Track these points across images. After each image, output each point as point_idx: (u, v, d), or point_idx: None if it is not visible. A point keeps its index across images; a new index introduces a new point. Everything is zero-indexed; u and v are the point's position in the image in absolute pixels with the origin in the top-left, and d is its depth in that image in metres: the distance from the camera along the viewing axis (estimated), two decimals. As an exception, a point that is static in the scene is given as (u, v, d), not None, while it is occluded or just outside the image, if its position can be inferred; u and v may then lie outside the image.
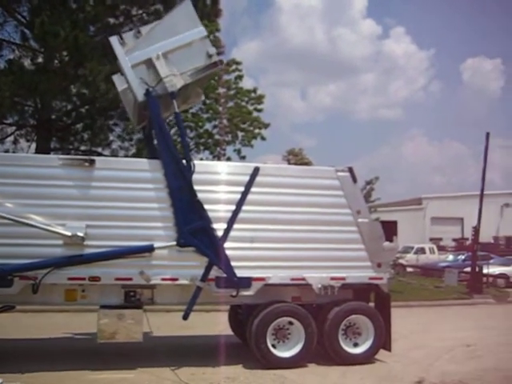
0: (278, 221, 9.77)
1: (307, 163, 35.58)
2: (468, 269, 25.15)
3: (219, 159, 25.84)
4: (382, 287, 10.32)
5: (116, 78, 11.40)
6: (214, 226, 9.48)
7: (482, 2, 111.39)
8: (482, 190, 23.69)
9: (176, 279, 9.31)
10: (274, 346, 9.66)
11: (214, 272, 9.43)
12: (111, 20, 21.06)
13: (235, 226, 9.55)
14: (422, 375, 9.42)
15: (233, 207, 9.58)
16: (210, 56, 9.81)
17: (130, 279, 9.18)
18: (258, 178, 9.76)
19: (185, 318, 9.53)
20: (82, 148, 24.47)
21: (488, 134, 23.56)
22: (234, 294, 9.52)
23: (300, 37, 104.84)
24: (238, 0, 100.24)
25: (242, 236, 9.58)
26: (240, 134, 28.10)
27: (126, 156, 24.22)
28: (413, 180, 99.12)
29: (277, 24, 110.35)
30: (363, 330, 10.13)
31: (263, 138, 28.53)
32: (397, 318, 10.74)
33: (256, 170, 9.78)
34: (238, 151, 28.12)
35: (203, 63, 9.82)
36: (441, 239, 47.20)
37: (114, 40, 9.71)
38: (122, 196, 9.26)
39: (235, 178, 9.78)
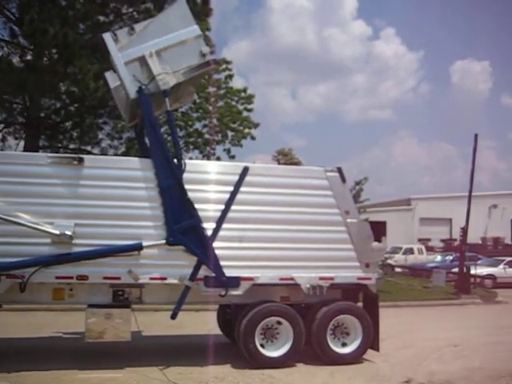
0: (267, 220, 9.77)
1: (297, 163, 35.63)
2: (456, 269, 25.30)
3: (209, 158, 25.86)
4: (371, 287, 10.35)
5: (108, 75, 11.37)
6: (204, 225, 9.47)
7: (471, 5, 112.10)
8: (471, 191, 23.85)
9: (165, 278, 9.28)
10: (262, 345, 9.66)
11: (203, 271, 9.42)
12: (101, 18, 20.98)
13: (224, 225, 9.54)
14: (410, 375, 9.47)
15: (222, 207, 9.57)
16: (203, 55, 9.79)
17: (119, 278, 9.14)
18: (248, 178, 9.76)
19: (173, 317, 9.52)
20: (71, 146, 24.39)
21: (476, 136, 23.75)
22: (223, 293, 9.51)
23: (291, 37, 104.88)
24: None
25: (231, 235, 9.57)
26: (230, 133, 28.14)
27: (116, 154, 24.16)
28: (402, 181, 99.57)
29: (267, 24, 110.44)
30: (351, 330, 10.16)
31: (253, 138, 28.59)
32: (385, 318, 10.79)
33: (245, 170, 9.78)
34: (228, 151, 28.17)
35: (196, 62, 9.80)
36: (429, 240, 47.43)
37: (107, 36, 9.67)
38: (111, 195, 9.22)
39: (224, 178, 9.77)
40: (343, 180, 10.28)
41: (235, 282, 9.50)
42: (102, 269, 9.08)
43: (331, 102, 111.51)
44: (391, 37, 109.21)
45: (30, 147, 20.23)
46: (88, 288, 9.32)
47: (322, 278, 9.91)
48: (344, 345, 10.13)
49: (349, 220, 10.15)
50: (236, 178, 9.72)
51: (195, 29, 9.86)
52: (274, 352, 9.72)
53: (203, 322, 12.94)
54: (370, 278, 10.24)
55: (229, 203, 9.60)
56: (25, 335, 11.92)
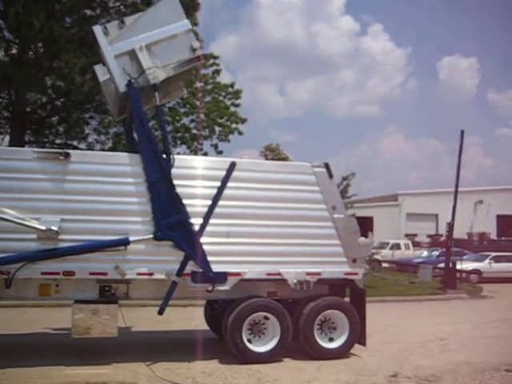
0: (254, 216, 9.77)
1: (284, 159, 35.76)
2: (442, 264, 25.47)
3: (196, 154, 25.83)
4: (357, 282, 10.40)
5: (98, 69, 11.31)
6: (191, 220, 9.45)
7: (459, 2, 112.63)
8: (457, 187, 23.99)
9: (151, 274, 9.26)
10: (249, 340, 9.68)
11: (190, 267, 9.40)
12: (88, 12, 20.79)
13: (211, 220, 9.53)
14: (397, 369, 9.53)
15: (209, 202, 9.56)
16: (193, 50, 9.75)
17: (105, 274, 9.10)
18: (235, 173, 9.74)
19: (160, 313, 9.50)
20: (58, 141, 24.21)
21: (463, 132, 23.85)
22: (210, 288, 9.50)
23: (279, 32, 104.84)
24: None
25: (218, 231, 9.56)
26: (217, 128, 28.13)
27: (103, 149, 24.05)
28: (389, 176, 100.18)
29: (255, 19, 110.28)
30: (338, 325, 10.19)
31: (240, 133, 28.61)
32: (372, 313, 10.83)
33: (233, 165, 9.77)
34: (215, 146, 28.17)
35: (187, 56, 9.76)
36: (416, 235, 47.69)
37: (97, 29, 9.61)
38: (98, 190, 9.17)
39: (212, 173, 9.75)
40: (330, 175, 10.29)
41: (222, 277, 9.50)
42: (89, 264, 9.03)
43: (319, 97, 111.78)
44: (379, 33, 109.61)
45: (16, 142, 20.05)
46: (74, 284, 9.28)
47: (309, 274, 9.93)
48: (331, 340, 10.17)
49: (336, 215, 10.17)
50: (223, 173, 9.70)
51: (186, 23, 9.82)
52: (261, 347, 9.73)
53: (190, 318, 12.92)
54: (356, 273, 10.28)
55: (216, 198, 9.59)
56: (11, 331, 11.85)
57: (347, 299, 10.78)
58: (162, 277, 9.31)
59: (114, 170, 9.34)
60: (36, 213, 8.84)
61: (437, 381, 8.91)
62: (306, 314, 9.93)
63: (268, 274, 9.78)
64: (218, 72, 28.73)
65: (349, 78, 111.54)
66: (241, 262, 9.63)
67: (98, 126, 25.15)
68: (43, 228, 8.71)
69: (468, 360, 10.32)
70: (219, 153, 27.75)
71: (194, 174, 9.73)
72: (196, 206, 9.52)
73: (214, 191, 9.61)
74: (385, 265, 33.82)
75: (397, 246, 37.93)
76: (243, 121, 28.73)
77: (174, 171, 9.43)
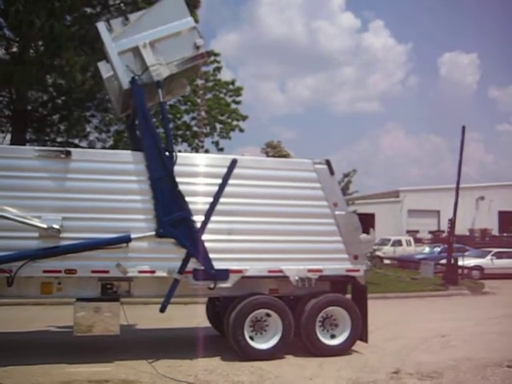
0: (256, 213, 9.77)
1: (285, 155, 35.77)
2: (444, 261, 25.47)
3: (197, 151, 25.81)
4: (359, 279, 10.39)
5: (101, 65, 11.31)
6: (193, 217, 9.45)
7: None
8: (458, 183, 23.96)
9: (153, 271, 9.26)
10: (251, 337, 9.68)
11: (192, 264, 9.40)
12: (88, 9, 20.79)
13: (213, 218, 9.53)
14: (399, 366, 9.54)
15: (210, 199, 9.56)
16: (197, 47, 9.77)
17: (107, 272, 9.11)
18: (236, 170, 9.74)
19: (162, 310, 9.51)
20: (59, 139, 24.23)
21: (464, 128, 23.81)
22: (212, 286, 9.51)
23: (279, 29, 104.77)
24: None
25: (220, 228, 9.56)
26: (218, 125, 28.13)
27: (104, 148, 24.05)
28: (390, 173, 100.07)
29: (256, 16, 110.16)
30: (340, 322, 10.20)
31: (241, 130, 28.61)
32: (373, 309, 10.84)
33: (234, 162, 9.76)
34: (216, 143, 28.17)
35: (190, 54, 9.78)
36: (417, 231, 47.64)
37: (101, 26, 9.63)
38: (99, 188, 9.17)
39: (213, 170, 9.75)
40: (331, 172, 10.29)
41: (224, 274, 9.50)
42: (91, 262, 9.04)
43: (320, 94, 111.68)
44: (380, 29, 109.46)
45: (17, 140, 20.06)
46: (76, 282, 9.28)
47: (310, 270, 9.93)
48: (333, 336, 10.17)
49: (337, 212, 10.17)
50: (224, 170, 9.70)
51: (189, 20, 9.83)
52: (263, 344, 9.74)
53: (192, 315, 12.93)
54: (358, 270, 10.28)
55: (217, 196, 9.59)
56: (13, 329, 11.86)
57: (349, 296, 10.78)
58: (164, 274, 9.31)
59: (115, 168, 9.34)
60: (37, 211, 8.85)
61: (438, 377, 8.91)
62: (308, 310, 9.93)
63: (270, 271, 9.78)
64: (218, 69, 28.72)
65: (349, 75, 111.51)
66: (242, 259, 9.63)
67: (99, 124, 25.16)
68: (45, 226, 8.72)
69: (470, 356, 10.32)
70: (220, 150, 27.77)
71: (196, 171, 9.73)
72: (197, 203, 9.52)
73: (216, 188, 9.61)
74: (386, 261, 33.82)
75: (398, 243, 37.91)
76: (244, 118, 28.73)
77: (175, 168, 9.43)
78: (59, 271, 8.97)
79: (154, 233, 9.24)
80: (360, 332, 10.24)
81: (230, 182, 9.69)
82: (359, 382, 8.56)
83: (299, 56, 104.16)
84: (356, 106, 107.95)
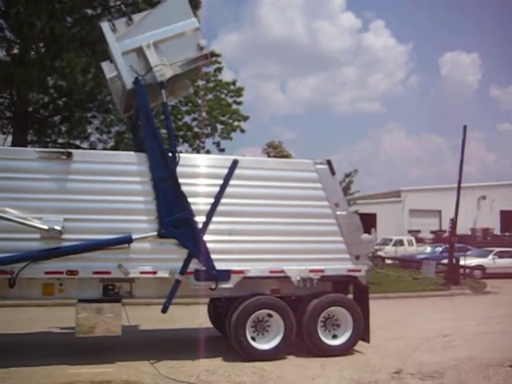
0: (257, 213, 9.77)
1: (286, 156, 35.77)
2: (445, 260, 25.45)
3: (198, 152, 25.83)
4: (361, 279, 10.39)
5: (105, 66, 11.33)
6: (195, 218, 9.45)
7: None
8: (460, 183, 23.94)
9: (155, 272, 9.27)
10: (253, 338, 9.69)
11: (193, 265, 9.41)
12: (89, 11, 20.81)
13: (214, 218, 9.53)
14: (400, 366, 9.54)
15: (212, 200, 9.56)
16: (200, 48, 9.78)
17: (109, 273, 9.11)
18: (237, 171, 9.74)
19: (164, 311, 9.51)
20: (60, 141, 24.23)
21: (465, 127, 23.77)
22: (213, 286, 9.51)
23: (280, 29, 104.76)
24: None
25: (221, 229, 9.56)
26: (219, 126, 28.15)
27: (105, 149, 24.06)
28: (391, 173, 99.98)
29: (257, 16, 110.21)
30: (342, 322, 10.19)
31: (242, 131, 28.63)
32: (375, 309, 10.83)
33: (235, 163, 9.77)
34: (218, 144, 28.20)
35: (194, 55, 9.79)
36: (419, 231, 47.59)
37: (105, 26, 9.65)
38: (100, 189, 9.17)
39: (214, 171, 9.75)
40: (332, 172, 10.29)
41: (225, 275, 9.50)
42: (92, 263, 9.04)
43: (321, 94, 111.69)
44: (380, 29, 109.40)
45: (18, 142, 20.08)
46: (78, 283, 9.28)
47: (312, 271, 9.93)
48: (335, 337, 10.17)
49: (338, 212, 10.17)
50: (225, 171, 9.70)
51: (193, 21, 9.85)
52: (264, 345, 9.74)
53: (194, 316, 12.93)
54: (359, 270, 10.27)
55: (218, 196, 9.59)
56: (14, 331, 11.87)
57: (350, 296, 10.78)
58: (166, 275, 9.31)
59: (116, 168, 9.34)
60: (39, 212, 8.86)
61: (440, 377, 8.91)
62: (310, 311, 9.93)
63: (271, 272, 9.78)
64: (219, 70, 28.75)
65: (350, 75, 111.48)
66: (244, 259, 9.63)
67: (101, 125, 25.16)
68: (46, 228, 8.72)
69: (471, 356, 10.32)
70: (221, 151, 27.80)
71: (197, 172, 9.73)
72: (198, 204, 9.52)
73: (217, 189, 9.61)
74: (388, 261, 33.77)
75: (400, 243, 37.86)
76: (245, 118, 28.75)
77: (177, 169, 9.44)
78: (61, 272, 8.97)
79: (155, 233, 9.25)
80: (362, 332, 10.24)
81: (231, 182, 9.69)
82: (361, 382, 8.56)
83: (300, 56, 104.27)
84: (357, 106, 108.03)
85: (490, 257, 29.06)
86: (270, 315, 9.77)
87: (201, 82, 26.84)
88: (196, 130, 27.52)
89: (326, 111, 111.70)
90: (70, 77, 18.49)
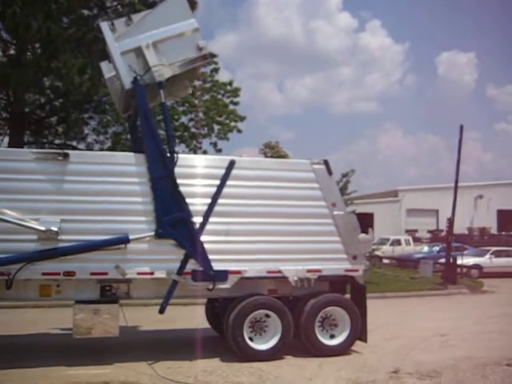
0: (254, 214, 9.76)
1: (283, 156, 35.74)
2: (443, 260, 25.49)
3: (195, 152, 25.83)
4: (358, 279, 10.39)
5: (103, 65, 11.32)
6: (193, 218, 9.45)
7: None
8: (456, 182, 23.98)
9: (152, 273, 9.26)
10: (250, 338, 9.68)
11: (191, 265, 9.40)
12: (85, 12, 20.80)
13: (211, 219, 9.52)
14: (398, 365, 9.54)
15: (209, 200, 9.55)
16: (200, 49, 9.78)
17: (106, 274, 9.09)
18: (234, 171, 9.74)
19: (161, 312, 9.50)
20: (57, 142, 24.23)
21: (462, 127, 23.83)
22: (211, 287, 9.50)
23: (277, 29, 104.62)
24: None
25: (218, 229, 9.56)
26: (216, 126, 28.13)
27: (102, 149, 24.05)
28: (388, 172, 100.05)
29: (253, 16, 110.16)
30: (339, 322, 10.20)
31: (239, 131, 28.64)
32: (373, 309, 10.84)
33: (231, 163, 9.76)
34: (214, 144, 28.19)
35: (193, 55, 9.80)
36: (416, 231, 47.62)
37: (104, 26, 9.66)
38: (97, 190, 9.16)
39: (211, 171, 9.75)
40: (329, 172, 10.29)
41: (223, 275, 9.50)
42: (89, 264, 9.02)
43: (318, 94, 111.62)
44: (377, 29, 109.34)
45: (15, 143, 20.07)
46: (75, 284, 9.27)
47: (309, 271, 9.93)
48: (332, 337, 10.17)
49: (336, 212, 10.17)
50: (222, 171, 9.70)
51: (193, 22, 9.85)
52: (262, 345, 9.73)
53: (192, 316, 12.92)
54: (357, 270, 10.28)
55: (215, 197, 9.59)
56: (12, 332, 11.85)
57: (348, 296, 10.78)
58: (163, 276, 9.30)
59: (113, 169, 9.33)
60: (36, 213, 8.83)
61: (438, 376, 8.91)
62: (307, 311, 9.93)
63: (268, 272, 9.78)
64: (216, 70, 28.72)
65: (347, 75, 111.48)
66: (241, 260, 9.63)
67: (97, 126, 25.16)
68: (43, 229, 8.71)
69: (469, 355, 10.33)
70: (218, 151, 27.79)
71: (194, 172, 9.73)
72: (196, 204, 9.52)
73: (214, 189, 9.60)
74: (385, 261, 33.81)
75: (397, 242, 37.89)
76: (242, 119, 28.76)
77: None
78: (58, 273, 8.95)
79: (153, 233, 9.24)
80: (359, 332, 10.24)
81: (228, 183, 9.69)
82: (359, 382, 8.56)
83: (297, 56, 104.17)
84: (354, 106, 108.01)
85: (487, 256, 29.13)
86: (267, 315, 9.76)
87: (197, 83, 26.81)
88: (193, 130, 27.52)
89: (323, 111, 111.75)
90: (66, 77, 18.49)
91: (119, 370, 9.01)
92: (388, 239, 37.69)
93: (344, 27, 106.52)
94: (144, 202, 9.31)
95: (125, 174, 9.34)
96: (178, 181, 9.41)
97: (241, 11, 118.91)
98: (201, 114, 26.96)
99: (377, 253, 29.93)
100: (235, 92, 28.94)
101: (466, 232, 45.04)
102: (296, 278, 9.85)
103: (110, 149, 23.44)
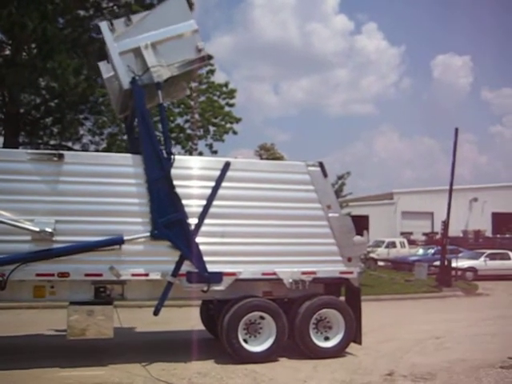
0: (249, 215, 9.75)
1: (279, 158, 35.78)
2: (437, 262, 25.50)
3: (191, 154, 25.80)
4: (353, 281, 10.39)
5: (102, 65, 11.30)
6: (188, 220, 9.43)
7: (452, 0, 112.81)
8: (451, 185, 24.02)
9: (147, 274, 9.23)
10: (245, 340, 9.66)
11: (185, 267, 9.38)
12: (81, 12, 20.78)
13: (206, 220, 9.51)
14: (392, 368, 9.54)
15: (204, 202, 9.53)
16: (199, 50, 9.78)
17: (100, 275, 9.06)
18: (229, 173, 9.73)
19: (155, 313, 9.48)
20: (52, 142, 24.20)
21: (457, 130, 23.89)
22: (205, 289, 9.48)
23: (273, 32, 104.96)
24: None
25: (213, 231, 9.54)
26: (212, 128, 28.12)
27: (97, 150, 24.02)
28: (384, 175, 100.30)
29: (249, 19, 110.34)
30: (334, 324, 10.19)
31: (235, 133, 28.62)
32: (367, 311, 10.85)
33: (227, 165, 9.75)
34: (210, 146, 28.19)
35: (192, 57, 9.79)
36: (411, 233, 47.77)
37: (103, 26, 9.65)
38: (92, 191, 9.13)
39: (206, 173, 9.73)
40: (325, 174, 10.29)
41: (217, 277, 9.48)
42: (84, 266, 8.99)
43: (314, 96, 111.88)
44: (373, 31, 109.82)
45: (10, 144, 20.02)
46: (69, 285, 9.23)
47: (304, 273, 9.92)
48: (327, 339, 10.16)
49: (331, 214, 10.16)
50: (218, 173, 9.68)
51: (192, 23, 9.84)
52: (257, 347, 9.72)
53: (186, 318, 12.91)
54: (352, 272, 10.27)
55: (210, 198, 9.57)
56: (5, 334, 11.78)
57: (343, 298, 10.78)
58: (158, 277, 9.27)
59: (108, 170, 9.30)
60: (30, 214, 8.80)
61: (432, 379, 8.92)
62: (302, 313, 9.91)
63: (263, 274, 9.77)
64: (212, 72, 28.70)
65: (343, 77, 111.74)
66: (236, 261, 9.61)
67: (93, 127, 25.14)
68: (37, 229, 8.68)
69: (464, 357, 10.34)
70: (214, 153, 27.78)
71: (189, 174, 9.70)
72: (191, 205, 9.49)
73: (209, 191, 9.59)
74: (380, 263, 33.83)
75: (392, 245, 37.96)
76: (238, 120, 28.75)
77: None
78: (52, 274, 8.92)
79: (148, 234, 9.21)
80: (354, 334, 10.23)
81: (224, 184, 9.67)
82: (353, 384, 8.57)
83: (293, 58, 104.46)
84: (350, 108, 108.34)
85: (482, 259, 29.18)
86: (262, 317, 9.75)
87: (193, 84, 26.77)
88: (188, 131, 27.49)
89: (318, 113, 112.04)
90: (61, 78, 18.44)
91: (113, 371, 8.98)
92: (383, 241, 37.75)
93: (340, 30, 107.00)
94: (139, 204, 9.28)
95: (120, 174, 9.31)
96: (175, 182, 9.39)
97: (237, 13, 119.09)
98: (196, 116, 26.92)
99: (372, 255, 29.92)
100: (231, 94, 28.93)
101: (461, 235, 45.12)
102: (291, 280, 9.84)
103: (105, 150, 23.41)
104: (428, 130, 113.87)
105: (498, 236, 45.61)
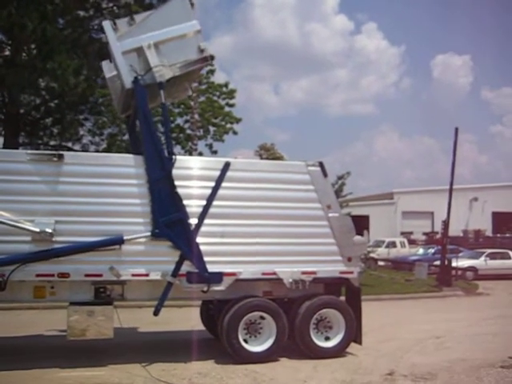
0: (249, 215, 9.75)
1: (279, 158, 35.76)
2: (438, 262, 25.49)
3: (191, 154, 25.81)
4: (353, 281, 10.38)
5: (104, 65, 11.32)
6: (189, 220, 9.43)
7: (452, 0, 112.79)
8: (452, 185, 24.00)
9: (147, 275, 9.23)
10: (245, 340, 9.66)
11: (185, 267, 9.38)
12: (81, 13, 20.78)
13: (206, 220, 9.50)
14: (393, 367, 9.54)
15: (204, 202, 9.53)
16: (201, 51, 9.79)
17: (100, 275, 9.06)
18: (229, 173, 9.72)
19: (155, 313, 9.48)
20: (52, 143, 24.20)
21: (457, 129, 23.87)
22: (205, 289, 9.48)
23: (273, 32, 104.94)
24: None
25: (213, 231, 9.54)
26: (212, 128, 28.12)
27: (97, 151, 24.02)
28: (384, 175, 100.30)
29: (249, 18, 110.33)
30: (334, 324, 10.19)
31: (235, 133, 28.63)
32: (368, 311, 10.84)
33: (227, 165, 9.75)
34: (210, 146, 28.20)
35: (194, 57, 9.80)
36: (411, 233, 47.74)
37: (106, 25, 9.64)
38: (92, 191, 9.13)
39: (206, 173, 9.73)
40: (325, 174, 10.28)
41: (218, 277, 9.48)
42: (84, 266, 8.99)
43: (313, 96, 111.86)
44: (373, 31, 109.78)
45: (10, 144, 20.02)
46: (69, 285, 9.23)
47: (304, 273, 9.92)
48: (327, 339, 10.16)
49: (331, 214, 10.16)
50: (218, 173, 9.68)
51: (195, 24, 9.85)
52: (257, 347, 9.72)
53: (186, 318, 12.91)
54: (352, 272, 10.27)
55: (210, 198, 9.57)
56: (6, 334, 11.78)
57: (343, 298, 10.77)
58: (158, 277, 9.27)
59: (108, 171, 9.30)
60: (30, 215, 8.80)
61: (433, 378, 8.92)
62: (302, 313, 9.91)
63: (263, 274, 9.76)
64: (212, 72, 28.72)
65: (343, 77, 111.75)
66: (236, 262, 9.61)
67: (93, 128, 25.14)
68: (37, 230, 8.68)
69: (464, 357, 10.33)
70: (214, 153, 27.81)
71: (189, 174, 9.69)
72: (191, 206, 9.49)
73: (209, 191, 9.59)
74: (380, 263, 33.81)
75: (392, 244, 37.93)
76: (238, 120, 28.76)
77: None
78: (52, 275, 8.92)
79: (149, 233, 9.21)
80: (354, 334, 10.23)
81: (224, 184, 9.67)
82: (353, 384, 8.57)
83: (293, 58, 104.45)
84: (350, 108, 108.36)
85: (482, 258, 29.15)
86: (262, 317, 9.75)
87: (193, 84, 26.79)
88: (188, 132, 27.51)
89: (318, 113, 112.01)
90: (61, 78, 18.43)
91: (113, 371, 8.98)
92: (383, 241, 37.72)
93: (340, 29, 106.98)
94: (139, 204, 9.28)
95: (120, 175, 9.31)
96: (175, 182, 9.39)
97: (237, 13, 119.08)
98: (196, 116, 26.93)
99: (372, 255, 29.91)
100: (231, 94, 28.94)
101: (461, 234, 45.09)
102: (291, 280, 9.84)
103: (105, 150, 23.43)
104: (428, 130, 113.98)
105: (499, 235, 45.61)
